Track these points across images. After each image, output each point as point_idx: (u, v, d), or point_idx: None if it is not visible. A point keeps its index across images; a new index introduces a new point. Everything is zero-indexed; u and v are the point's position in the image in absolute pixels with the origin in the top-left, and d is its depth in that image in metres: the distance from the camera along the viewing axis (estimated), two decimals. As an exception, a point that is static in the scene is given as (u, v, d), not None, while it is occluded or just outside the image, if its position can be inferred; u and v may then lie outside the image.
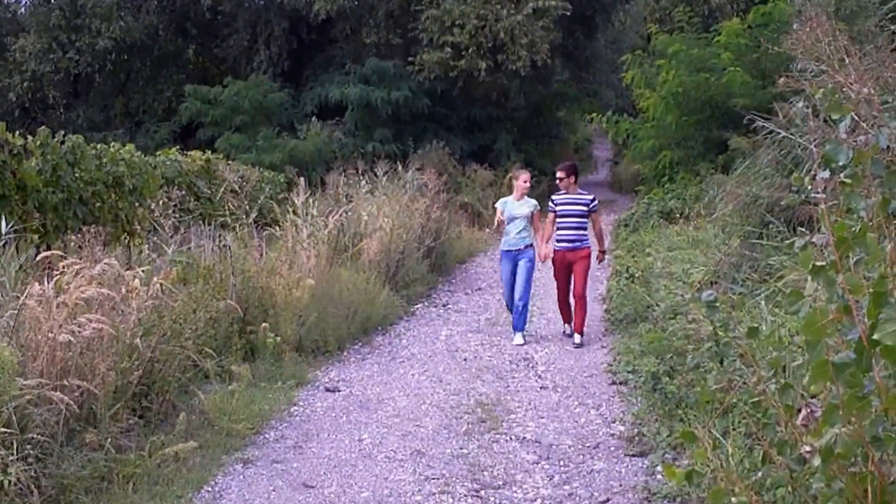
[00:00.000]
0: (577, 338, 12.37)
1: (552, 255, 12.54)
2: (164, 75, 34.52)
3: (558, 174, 12.69)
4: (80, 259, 7.59)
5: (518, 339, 12.52)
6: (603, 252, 13.20)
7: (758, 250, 10.70)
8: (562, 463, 7.61)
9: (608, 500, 6.78)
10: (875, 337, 3.10)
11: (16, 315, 6.34)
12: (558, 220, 12.46)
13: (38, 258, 7.67)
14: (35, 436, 5.98)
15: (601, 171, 46.48)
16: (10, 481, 5.25)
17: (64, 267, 7.21)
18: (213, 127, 29.40)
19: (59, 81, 32.46)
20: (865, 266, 3.32)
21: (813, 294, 3.52)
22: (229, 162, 18.77)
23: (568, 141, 44.73)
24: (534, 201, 12.77)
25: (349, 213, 14.99)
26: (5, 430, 5.69)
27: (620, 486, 7.04)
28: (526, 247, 12.57)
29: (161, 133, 31.13)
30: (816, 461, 3.45)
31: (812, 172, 3.56)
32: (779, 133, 11.48)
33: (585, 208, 12.39)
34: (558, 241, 12.47)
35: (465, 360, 11.46)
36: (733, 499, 4.18)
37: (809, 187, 3.54)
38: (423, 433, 8.41)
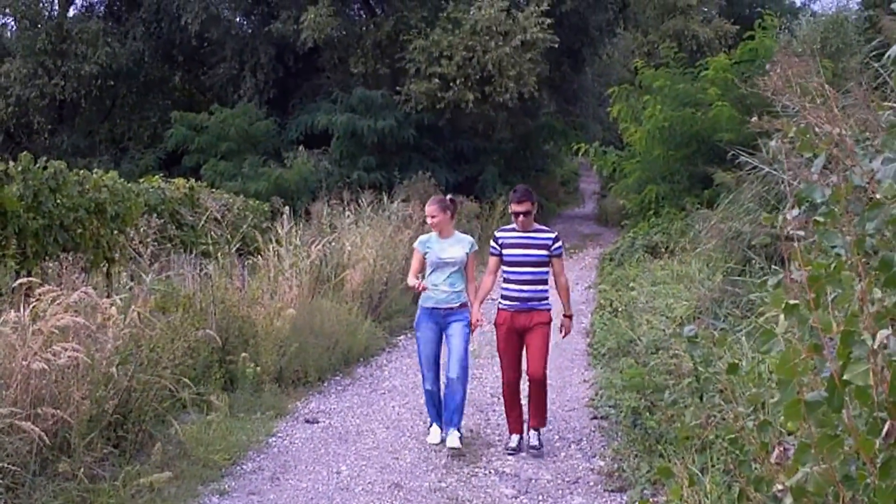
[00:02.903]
0: (533, 437, 8.91)
1: (494, 319, 9.11)
2: (150, 102, 34.55)
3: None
4: (59, 286, 7.53)
5: (453, 440, 8.78)
6: (569, 318, 9.26)
7: (740, 286, 10.72)
8: (540, 497, 7.58)
9: (585, 535, 6.75)
10: (845, 377, 3.09)
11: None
12: (505, 268, 8.90)
13: (14, 285, 7.63)
14: (6, 465, 5.92)
15: (588, 204, 46.56)
16: (-21, 512, 5.18)
17: (40, 294, 7.17)
18: (199, 154, 29.37)
19: (45, 106, 32.40)
20: (836, 305, 3.32)
21: (785, 332, 3.51)
22: (213, 190, 18.73)
23: (554, 174, 44.85)
24: (469, 239, 9.28)
25: (332, 244, 14.96)
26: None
27: (598, 522, 7.02)
28: (460, 306, 9.07)
29: (146, 160, 31.10)
30: (788, 500, 3.43)
31: (784, 211, 3.56)
32: (762, 169, 11.53)
33: (545, 252, 8.82)
34: (504, 297, 8.91)
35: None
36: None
37: (781, 225, 3.54)
38: (401, 466, 8.37)
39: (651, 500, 6.99)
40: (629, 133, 24.26)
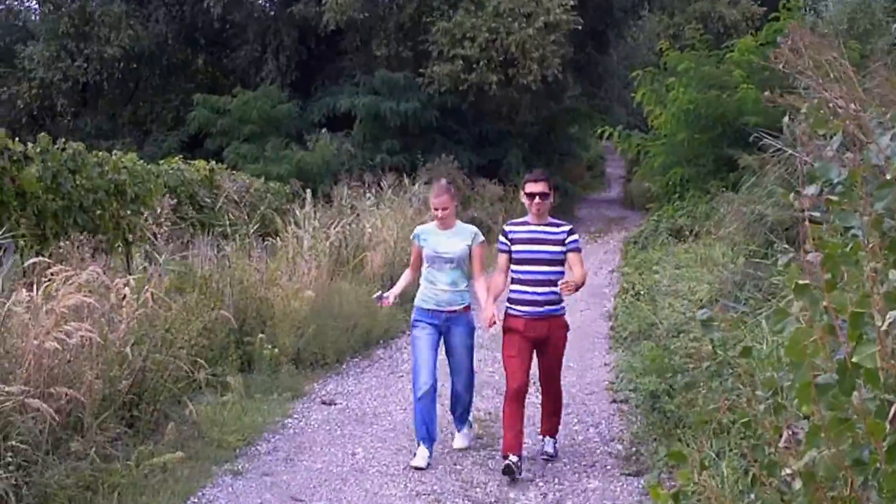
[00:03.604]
0: (548, 444, 8.17)
1: (503, 323, 7.88)
2: (173, 84, 34.55)
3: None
4: (72, 267, 7.52)
5: (460, 440, 8.50)
6: (574, 284, 7.49)
7: (762, 269, 10.60)
8: (556, 481, 7.53)
9: (600, 519, 6.70)
10: (854, 359, 3.02)
11: (0, 321, 6.28)
12: (515, 267, 7.85)
13: (25, 265, 7.63)
14: (17, 444, 5.91)
15: (614, 188, 46.37)
16: (-12, 490, 5.18)
17: (52, 274, 7.17)
18: (222, 137, 29.35)
19: (68, 89, 32.43)
20: (849, 286, 3.24)
21: (798, 313, 3.44)
22: (234, 172, 18.70)
23: (580, 157, 44.58)
24: (472, 229, 8.24)
25: (352, 226, 14.93)
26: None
27: (613, 505, 6.97)
28: (462, 309, 8.11)
29: (169, 142, 31.08)
30: (797, 484, 3.37)
31: (798, 190, 3.48)
32: (785, 151, 11.40)
33: (560, 248, 7.76)
34: (515, 301, 7.83)
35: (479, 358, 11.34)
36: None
37: (796, 204, 3.46)
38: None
39: (667, 483, 6.92)
40: (654, 116, 24.07)
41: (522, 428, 7.74)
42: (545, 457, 8.06)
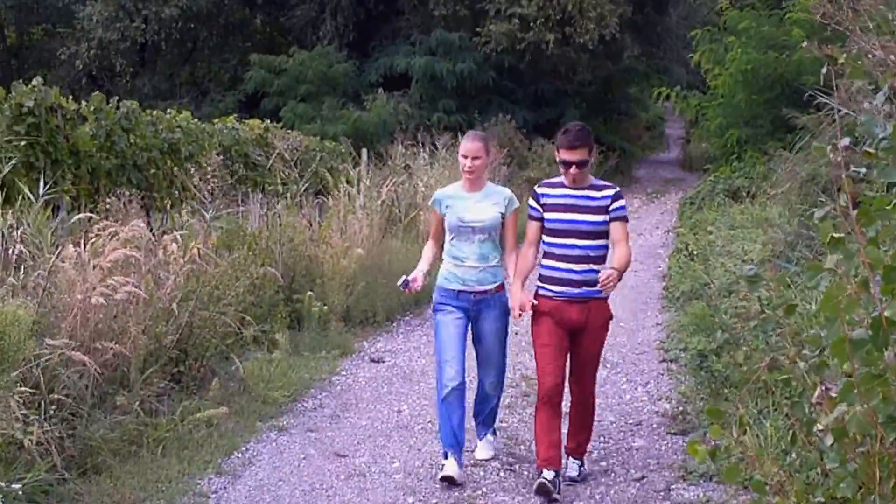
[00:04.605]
0: (573, 467, 6.68)
1: (533, 305, 6.54)
2: (231, 44, 34.57)
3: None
4: (118, 223, 7.59)
5: (484, 450, 7.14)
6: (617, 271, 6.18)
7: (814, 229, 10.46)
8: (602, 439, 7.50)
9: (643, 477, 6.68)
10: (887, 314, 2.95)
11: (46, 276, 6.34)
12: (548, 238, 6.52)
13: (72, 221, 7.71)
14: (62, 397, 5.99)
15: (673, 149, 45.92)
16: (31, 440, 5.25)
17: (98, 230, 7.23)
18: (279, 96, 29.40)
19: (126, 50, 32.58)
20: (883, 240, 3.17)
21: (833, 268, 3.37)
22: (289, 131, 18.74)
23: (639, 118, 44.16)
24: (506, 192, 6.82)
25: (405, 185, 14.91)
26: (30, 389, 5.70)
27: (658, 463, 6.94)
28: (497, 289, 6.77)
29: (226, 102, 31.17)
30: (829, 440, 3.32)
31: (833, 143, 3.40)
32: (840, 110, 11.20)
33: (602, 217, 6.37)
34: (547, 280, 6.51)
35: (515, 332, 11.30)
36: (757, 476, 4.07)
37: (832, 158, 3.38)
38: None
39: (711, 443, 6.87)
40: (712, 77, 23.83)
41: (560, 436, 6.50)
42: (567, 481, 6.58)
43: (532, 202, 6.57)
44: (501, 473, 6.78)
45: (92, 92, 12.14)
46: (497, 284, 6.74)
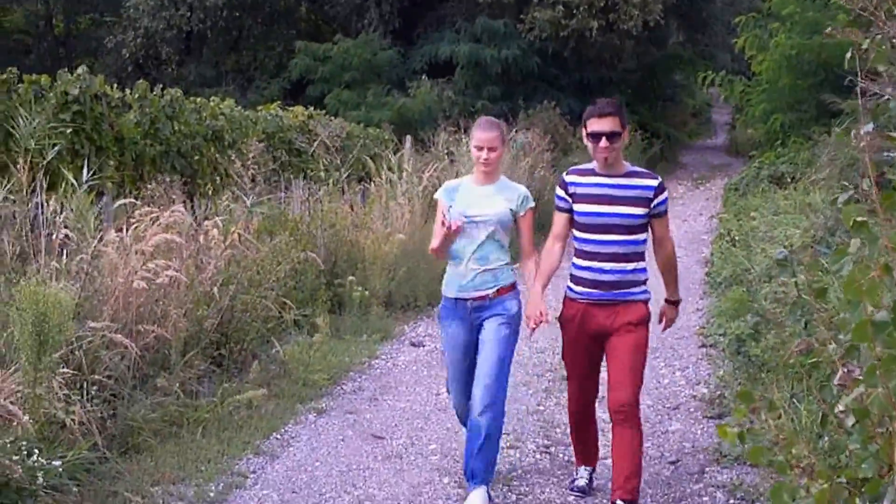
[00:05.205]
0: None
1: (560, 312, 5.90)
2: (276, 32, 34.64)
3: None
4: (159, 209, 7.71)
5: (476, 498, 5.65)
6: (675, 304, 6.06)
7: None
8: (638, 423, 7.53)
9: (678, 460, 6.71)
10: (909, 296, 2.98)
11: (89, 260, 6.47)
12: (578, 233, 5.77)
13: (114, 207, 7.85)
14: (103, 378, 6.11)
15: (720, 135, 45.64)
16: (73, 420, 5.37)
17: (140, 215, 7.36)
18: (324, 84, 29.48)
19: (172, 38, 32.74)
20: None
21: (857, 252, 3.40)
22: (331, 119, 18.84)
23: (685, 104, 43.94)
24: (521, 189, 6.02)
25: (446, 171, 14.95)
26: (72, 371, 5.83)
27: (693, 447, 6.97)
28: (502, 290, 5.84)
29: (272, 89, 31.25)
30: (850, 421, 3.34)
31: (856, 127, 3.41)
32: (882, 95, 11.13)
33: (642, 210, 5.63)
34: (576, 281, 5.77)
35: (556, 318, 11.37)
36: (780, 457, 4.10)
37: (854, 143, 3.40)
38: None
39: (746, 427, 6.88)
40: (756, 62, 23.68)
41: (597, 437, 6.15)
42: None
43: (559, 191, 5.82)
44: (537, 455, 6.84)
45: (138, 80, 12.30)
46: (497, 288, 5.81)
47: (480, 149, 5.79)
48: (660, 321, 5.94)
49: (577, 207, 5.69)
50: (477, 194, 5.85)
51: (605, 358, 5.78)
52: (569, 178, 5.78)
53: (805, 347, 5.88)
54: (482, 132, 5.81)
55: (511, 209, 5.84)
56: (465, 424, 6.02)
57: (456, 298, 5.88)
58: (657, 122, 33.81)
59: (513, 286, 5.89)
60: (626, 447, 5.53)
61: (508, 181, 6.08)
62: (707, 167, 32.17)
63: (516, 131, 21.05)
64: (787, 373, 7.04)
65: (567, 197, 5.75)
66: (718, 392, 8.12)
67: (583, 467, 6.12)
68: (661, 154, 30.92)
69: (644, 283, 5.70)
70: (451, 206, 5.82)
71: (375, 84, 28.93)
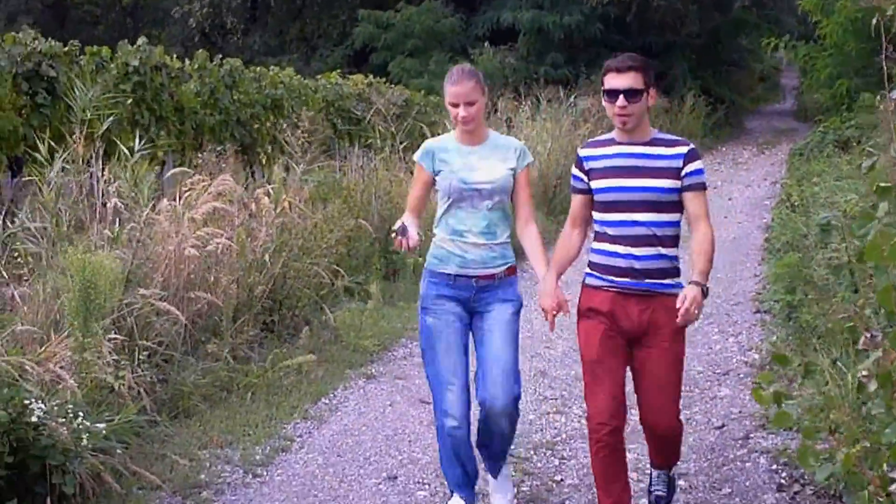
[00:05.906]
0: (659, 483, 5.13)
1: (578, 305, 4.90)
2: (339, 0, 34.80)
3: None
4: (211, 177, 7.84)
5: (501, 497, 5.19)
6: (700, 288, 4.43)
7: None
8: (687, 388, 7.48)
9: (724, 425, 6.72)
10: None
11: (140, 228, 6.60)
12: (599, 215, 4.80)
13: (167, 175, 7.99)
14: (153, 344, 6.25)
15: (788, 99, 45.00)
16: (122, 385, 5.51)
17: (192, 184, 7.49)
18: (386, 52, 29.56)
19: (237, 7, 33.01)
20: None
21: (883, 217, 3.40)
22: (392, 86, 18.91)
23: (752, 69, 43.31)
24: (516, 143, 5.17)
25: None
26: (122, 337, 5.96)
27: (739, 412, 6.96)
28: (505, 272, 5.07)
29: (335, 57, 31.38)
30: (872, 386, 3.36)
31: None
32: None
33: (672, 183, 4.63)
34: (596, 268, 4.81)
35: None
36: (806, 422, 4.12)
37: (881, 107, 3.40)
38: (551, 355, 8.43)
39: (795, 393, 6.88)
40: (821, 26, 23.34)
41: (627, 486, 4.83)
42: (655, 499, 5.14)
43: (575, 170, 4.89)
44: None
45: (204, 49, 12.46)
46: (507, 267, 5.06)
47: (456, 105, 4.88)
48: (681, 308, 4.36)
49: (595, 184, 4.75)
50: (472, 157, 4.97)
51: (632, 369, 4.87)
52: (583, 153, 4.86)
53: (851, 313, 5.87)
54: (454, 85, 4.90)
55: (511, 168, 4.98)
56: (446, 433, 5.06)
57: (456, 275, 4.97)
58: (721, 87, 33.41)
59: (513, 264, 5.14)
60: (666, 441, 5.06)
61: (497, 135, 5.19)
62: (773, 132, 31.81)
63: (576, 96, 20.90)
64: (835, 339, 7.01)
65: (582, 175, 4.82)
66: (769, 358, 8.09)
67: None
68: (726, 119, 30.63)
69: (678, 270, 4.75)
70: (437, 175, 5.02)
71: (438, 51, 28.93)
